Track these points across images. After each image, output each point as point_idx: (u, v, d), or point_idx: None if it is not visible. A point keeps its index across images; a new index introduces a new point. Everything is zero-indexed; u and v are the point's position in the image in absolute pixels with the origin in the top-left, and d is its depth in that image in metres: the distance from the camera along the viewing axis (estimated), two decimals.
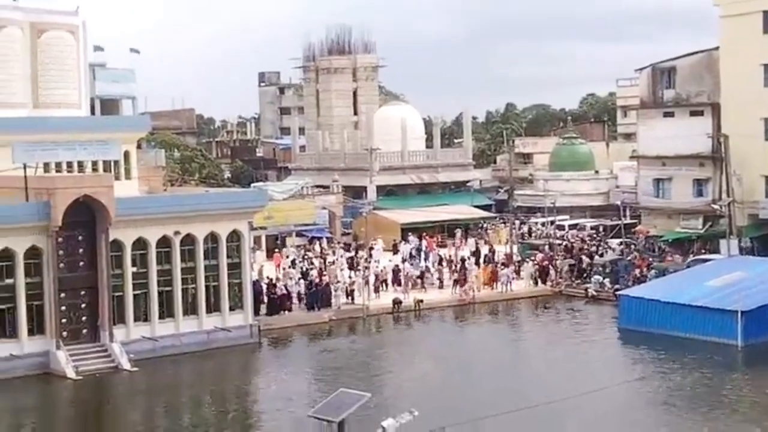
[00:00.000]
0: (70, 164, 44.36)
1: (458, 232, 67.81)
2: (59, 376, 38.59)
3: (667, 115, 64.68)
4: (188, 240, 43.01)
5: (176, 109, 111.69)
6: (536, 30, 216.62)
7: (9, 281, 39.12)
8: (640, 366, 39.61)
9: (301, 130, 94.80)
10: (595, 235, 65.61)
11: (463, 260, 56.35)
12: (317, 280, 50.79)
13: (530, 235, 68.09)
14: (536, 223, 71.61)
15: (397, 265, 55.42)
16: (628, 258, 56.27)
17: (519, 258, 58.62)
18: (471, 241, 66.44)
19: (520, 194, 78.75)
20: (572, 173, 78.49)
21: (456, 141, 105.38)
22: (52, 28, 46.03)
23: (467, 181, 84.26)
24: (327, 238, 66.50)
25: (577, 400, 31.85)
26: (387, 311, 49.90)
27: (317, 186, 75.15)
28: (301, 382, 38.50)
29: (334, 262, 57.73)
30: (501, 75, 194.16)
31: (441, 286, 54.46)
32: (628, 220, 65.41)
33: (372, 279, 52.35)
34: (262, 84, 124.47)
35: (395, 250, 63.13)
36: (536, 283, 55.58)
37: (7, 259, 39.02)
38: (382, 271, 54.58)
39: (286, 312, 48.70)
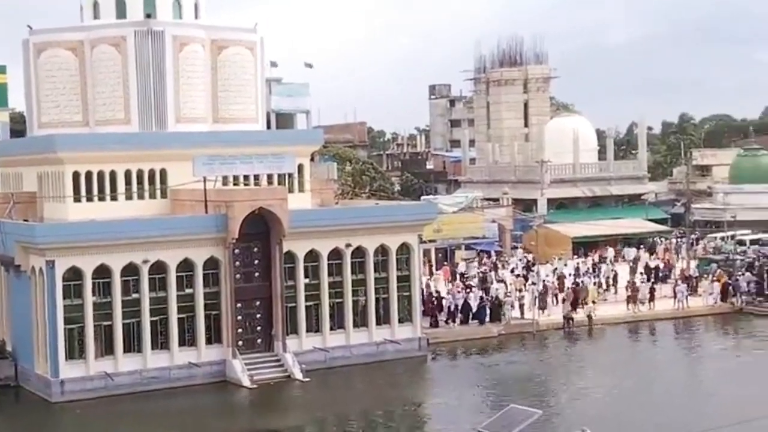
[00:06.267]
0: (246, 177, 45.39)
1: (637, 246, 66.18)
2: (235, 385, 39.62)
3: None
4: (359, 252, 43.49)
5: (348, 122, 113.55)
6: (717, 35, 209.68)
7: (189, 291, 40.45)
8: None
9: (471, 143, 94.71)
10: None
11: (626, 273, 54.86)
12: (487, 294, 50.43)
13: (714, 252, 65.62)
14: (716, 237, 69.07)
15: (568, 280, 54.45)
16: None
17: (697, 274, 56.65)
18: (645, 255, 64.65)
19: (698, 208, 76.12)
20: (754, 186, 75.40)
21: (631, 153, 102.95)
22: (232, 44, 47.33)
23: (642, 194, 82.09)
24: (496, 251, 65.99)
25: (760, 423, 30.33)
26: (558, 326, 49.07)
27: (487, 199, 74.78)
28: (469, 396, 38.26)
29: (504, 276, 57.18)
30: (679, 83, 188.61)
31: (614, 302, 53.14)
32: None
33: (543, 293, 51.58)
34: (433, 97, 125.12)
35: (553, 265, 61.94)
36: (715, 301, 53.56)
37: (188, 269, 40.38)
38: (554, 284, 53.72)
39: (455, 325, 48.56)
